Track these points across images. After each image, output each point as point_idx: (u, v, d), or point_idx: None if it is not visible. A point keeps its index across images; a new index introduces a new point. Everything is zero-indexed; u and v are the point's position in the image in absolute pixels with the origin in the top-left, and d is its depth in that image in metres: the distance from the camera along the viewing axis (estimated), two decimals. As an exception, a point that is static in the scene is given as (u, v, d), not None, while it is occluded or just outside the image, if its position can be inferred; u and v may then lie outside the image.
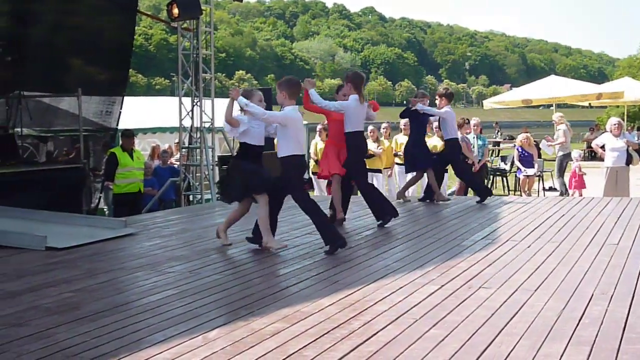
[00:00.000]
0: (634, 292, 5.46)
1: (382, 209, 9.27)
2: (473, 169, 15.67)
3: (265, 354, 4.27)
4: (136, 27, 18.18)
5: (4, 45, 15.10)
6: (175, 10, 13.74)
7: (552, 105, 26.14)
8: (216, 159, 15.38)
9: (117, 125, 15.27)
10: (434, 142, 15.21)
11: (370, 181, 15.22)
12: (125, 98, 15.83)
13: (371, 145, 15.44)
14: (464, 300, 5.38)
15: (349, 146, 9.18)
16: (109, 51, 16.05)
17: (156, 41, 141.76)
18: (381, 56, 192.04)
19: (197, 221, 9.43)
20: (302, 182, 7.93)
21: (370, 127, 15.87)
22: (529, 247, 7.56)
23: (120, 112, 15.26)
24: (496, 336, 4.50)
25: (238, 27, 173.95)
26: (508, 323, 4.77)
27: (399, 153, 15.46)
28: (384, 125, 16.55)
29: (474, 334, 4.57)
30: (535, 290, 5.62)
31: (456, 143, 11.75)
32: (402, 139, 15.48)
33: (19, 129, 14.44)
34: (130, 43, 16.64)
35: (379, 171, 15.69)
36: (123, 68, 16.43)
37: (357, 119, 9.15)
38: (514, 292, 5.61)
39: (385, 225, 9.11)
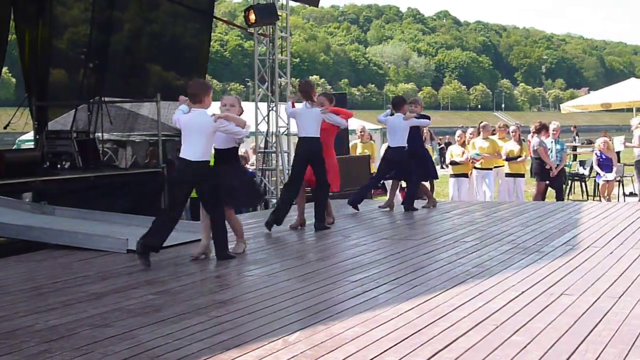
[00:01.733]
0: None
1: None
2: (551, 174, 15.44)
3: (345, 358, 4.27)
4: (212, 33, 18.42)
5: (86, 53, 15.47)
6: (253, 16, 13.89)
7: (632, 109, 25.54)
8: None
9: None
10: (510, 146, 15.04)
11: (455, 186, 15.21)
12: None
13: (457, 151, 15.33)
14: (545, 307, 5.30)
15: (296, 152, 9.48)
16: (186, 57, 16.33)
17: (231, 47, 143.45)
18: (455, 60, 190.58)
19: (274, 225, 9.46)
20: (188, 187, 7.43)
21: (458, 132, 15.77)
22: (611, 253, 7.41)
23: (198, 118, 15.45)
24: (580, 344, 4.42)
25: (312, 32, 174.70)
26: (592, 330, 4.68)
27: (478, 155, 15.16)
28: (470, 130, 16.23)
29: (557, 341, 4.49)
30: (620, 297, 5.51)
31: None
32: (480, 142, 15.25)
33: (99, 134, 14.75)
34: (207, 49, 16.90)
35: (465, 176, 15.44)
36: (200, 73, 16.67)
37: (305, 125, 9.28)
38: (598, 299, 5.50)
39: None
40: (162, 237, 7.21)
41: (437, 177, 12.92)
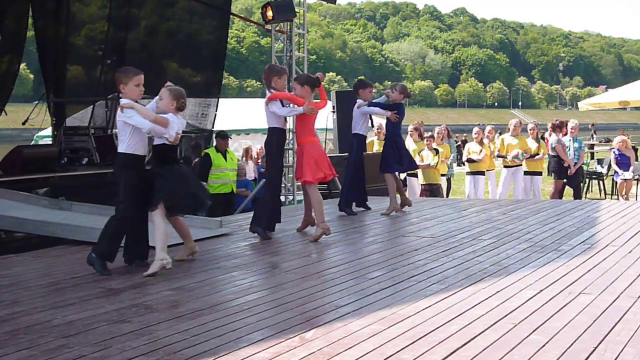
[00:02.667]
0: None
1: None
2: (569, 172, 15.38)
3: (362, 356, 4.26)
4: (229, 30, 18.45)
5: (104, 49, 15.54)
6: (270, 13, 13.89)
7: (650, 107, 25.40)
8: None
9: (213, 126, 15.52)
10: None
11: (472, 184, 15.11)
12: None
13: (475, 148, 15.27)
14: (564, 306, 5.27)
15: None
16: (203, 54, 16.39)
17: (248, 43, 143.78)
18: (472, 57, 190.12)
19: (290, 222, 9.47)
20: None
21: (475, 129, 15.68)
22: (630, 252, 7.35)
23: (215, 114, 15.50)
24: (599, 343, 4.39)
25: (329, 30, 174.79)
26: (611, 330, 4.65)
27: (507, 155, 15.06)
28: (488, 128, 16.09)
29: (575, 340, 4.47)
30: (639, 297, 5.47)
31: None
32: (509, 140, 15.17)
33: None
34: (224, 45, 16.95)
35: (482, 173, 15.36)
36: (217, 70, 16.74)
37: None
38: (616, 298, 5.46)
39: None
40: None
41: (414, 169, 12.48)
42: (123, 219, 6.80)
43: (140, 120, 6.65)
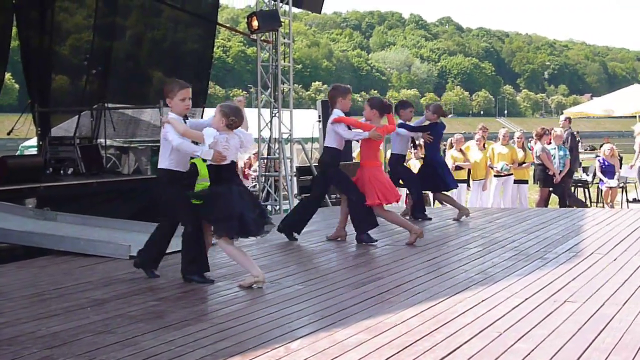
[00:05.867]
0: None
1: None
2: (554, 180, 15.43)
3: (348, 365, 4.26)
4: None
5: (89, 59, 15.49)
6: (255, 23, 13.90)
7: (634, 116, 25.50)
8: (294, 170, 15.47)
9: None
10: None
11: (455, 192, 15.12)
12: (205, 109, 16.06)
13: (458, 156, 15.29)
14: (549, 314, 5.28)
15: None
16: (188, 63, 16.34)
17: (234, 53, 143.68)
18: (458, 66, 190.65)
19: (276, 231, 9.44)
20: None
21: (457, 136, 15.71)
22: (614, 260, 7.39)
23: (201, 124, 15.45)
24: (584, 351, 4.41)
25: (314, 39, 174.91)
26: (596, 338, 4.67)
27: (495, 166, 15.12)
28: (477, 136, 16.08)
29: (561, 348, 4.48)
30: (624, 305, 5.50)
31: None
32: (499, 149, 15.23)
33: (102, 140, 14.75)
34: (210, 55, 16.93)
35: (464, 182, 15.37)
36: (203, 79, 16.70)
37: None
38: (601, 306, 5.49)
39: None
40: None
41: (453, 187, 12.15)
42: (193, 236, 6.70)
43: (170, 137, 6.54)
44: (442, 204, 12.11)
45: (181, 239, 6.73)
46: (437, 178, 10.68)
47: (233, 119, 6.55)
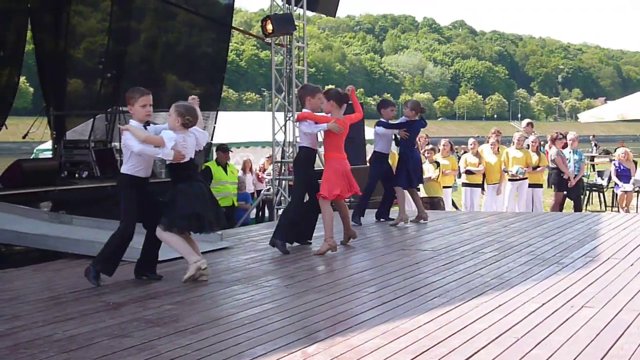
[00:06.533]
0: None
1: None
2: (569, 184, 15.36)
3: (365, 371, 4.24)
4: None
5: (104, 63, 15.55)
6: (270, 26, 13.91)
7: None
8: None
9: (212, 139, 15.51)
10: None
11: (469, 196, 15.08)
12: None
13: (472, 160, 15.23)
14: (566, 320, 5.25)
15: None
16: (202, 66, 16.37)
17: (247, 56, 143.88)
18: (471, 70, 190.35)
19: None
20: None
21: (471, 141, 15.61)
22: (631, 265, 7.34)
23: (214, 127, 15.50)
24: (602, 358, 4.38)
25: (328, 42, 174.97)
26: (614, 344, 4.63)
27: (509, 170, 15.05)
28: (491, 140, 15.94)
29: (578, 355, 4.45)
30: (642, 311, 5.45)
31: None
32: (514, 153, 15.17)
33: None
34: (224, 58, 16.93)
35: (478, 186, 15.30)
36: (217, 83, 16.73)
37: None
38: (619, 312, 5.44)
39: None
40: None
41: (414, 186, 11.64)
42: (123, 237, 6.84)
43: (130, 143, 6.67)
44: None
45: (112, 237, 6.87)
46: (409, 173, 10.53)
47: (189, 118, 6.80)
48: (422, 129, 11.07)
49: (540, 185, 15.55)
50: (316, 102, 8.63)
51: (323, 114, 8.68)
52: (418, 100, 11.48)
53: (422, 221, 10.85)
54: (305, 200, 8.90)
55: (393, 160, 11.52)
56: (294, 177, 9.21)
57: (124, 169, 6.88)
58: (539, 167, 15.27)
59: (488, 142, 15.66)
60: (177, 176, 6.88)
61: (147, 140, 6.66)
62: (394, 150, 11.77)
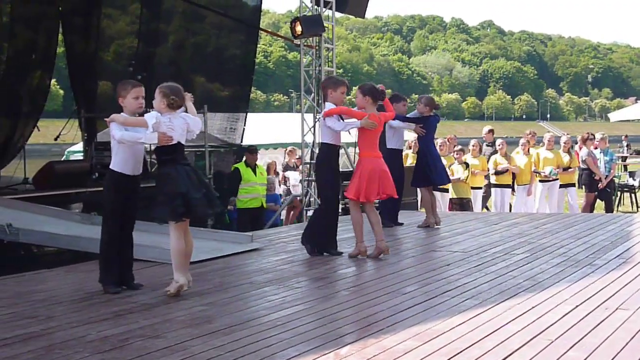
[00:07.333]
0: None
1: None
2: (600, 185, 15.24)
3: (398, 373, 4.23)
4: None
5: (134, 65, 15.64)
6: (299, 28, 13.91)
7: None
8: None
9: (241, 141, 15.55)
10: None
11: (499, 197, 14.97)
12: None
13: (501, 160, 15.14)
14: (601, 322, 5.20)
15: None
16: (230, 68, 16.43)
17: (275, 58, 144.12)
18: (500, 70, 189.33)
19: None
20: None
21: (499, 142, 15.51)
22: (666, 267, 7.26)
23: (244, 129, 15.53)
24: (639, 360, 4.33)
25: (355, 43, 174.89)
26: (651, 347, 4.58)
27: (542, 171, 14.95)
28: (522, 141, 15.80)
29: (614, 357, 4.41)
30: (677, 313, 5.39)
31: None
32: (544, 153, 15.06)
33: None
34: (252, 60, 16.98)
35: (508, 186, 15.20)
36: (245, 85, 16.77)
37: None
38: (655, 314, 5.39)
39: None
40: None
41: (443, 183, 11.74)
42: (108, 242, 6.66)
43: (112, 132, 6.42)
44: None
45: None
46: (427, 171, 10.30)
47: (173, 98, 6.45)
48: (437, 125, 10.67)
49: (574, 185, 15.43)
50: (338, 95, 8.20)
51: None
52: (431, 96, 11.16)
53: (435, 226, 10.51)
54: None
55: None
56: (317, 177, 8.82)
57: (112, 165, 6.61)
58: (570, 167, 15.16)
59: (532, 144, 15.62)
60: (163, 161, 6.55)
61: (127, 122, 6.39)
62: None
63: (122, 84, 6.74)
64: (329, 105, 8.22)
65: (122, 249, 6.77)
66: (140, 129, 6.42)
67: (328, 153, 8.36)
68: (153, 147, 6.60)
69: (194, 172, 6.60)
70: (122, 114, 6.60)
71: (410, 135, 14.81)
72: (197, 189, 6.44)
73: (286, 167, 18.10)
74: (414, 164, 11.65)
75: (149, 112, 6.64)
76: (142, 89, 6.68)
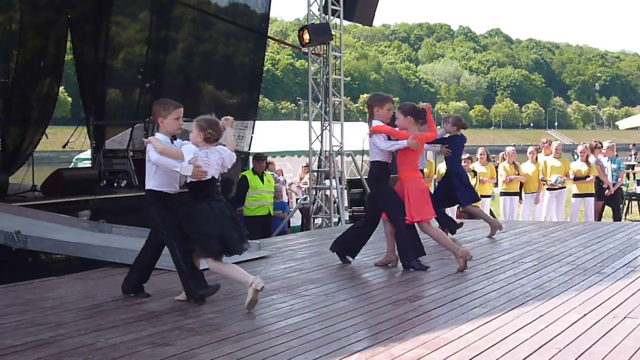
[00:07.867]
0: None
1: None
2: (607, 192, 15.21)
3: (407, 381, 4.23)
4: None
5: (142, 73, 15.70)
6: (307, 36, 13.96)
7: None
8: (345, 183, 15.45)
9: (249, 148, 15.58)
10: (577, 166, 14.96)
11: (507, 205, 14.93)
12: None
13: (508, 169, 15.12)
14: (609, 330, 5.20)
15: None
16: (238, 76, 16.47)
17: (283, 66, 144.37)
18: (507, 78, 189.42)
19: (329, 244, 9.43)
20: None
21: (509, 149, 15.45)
22: (675, 275, 7.25)
23: (252, 136, 15.56)
24: (648, 369, 4.33)
25: (363, 51, 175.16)
26: (660, 355, 4.58)
27: (548, 179, 14.89)
28: (530, 149, 15.74)
29: (623, 366, 4.40)
30: (686, 322, 5.38)
31: None
32: (552, 162, 15.01)
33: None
34: (260, 68, 17.02)
35: (516, 194, 15.17)
36: (254, 92, 16.81)
37: None
38: (663, 323, 5.38)
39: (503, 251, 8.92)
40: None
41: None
42: (175, 248, 6.49)
43: (149, 154, 6.41)
44: (472, 217, 11.89)
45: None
46: (452, 192, 10.06)
47: (210, 132, 6.41)
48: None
49: (592, 195, 15.20)
50: (385, 112, 8.10)
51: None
52: (459, 115, 11.01)
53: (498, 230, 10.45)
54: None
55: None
56: (378, 195, 8.28)
57: (149, 185, 6.59)
58: (588, 176, 15.02)
59: (541, 151, 15.51)
60: (196, 195, 6.44)
61: (165, 152, 6.36)
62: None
63: (163, 104, 6.65)
64: (375, 123, 8.07)
65: (156, 258, 6.81)
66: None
67: (380, 170, 8.18)
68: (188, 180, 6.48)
69: (228, 209, 6.53)
70: (158, 134, 6.59)
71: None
72: (232, 226, 6.39)
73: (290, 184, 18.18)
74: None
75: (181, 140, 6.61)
76: (182, 110, 6.63)
